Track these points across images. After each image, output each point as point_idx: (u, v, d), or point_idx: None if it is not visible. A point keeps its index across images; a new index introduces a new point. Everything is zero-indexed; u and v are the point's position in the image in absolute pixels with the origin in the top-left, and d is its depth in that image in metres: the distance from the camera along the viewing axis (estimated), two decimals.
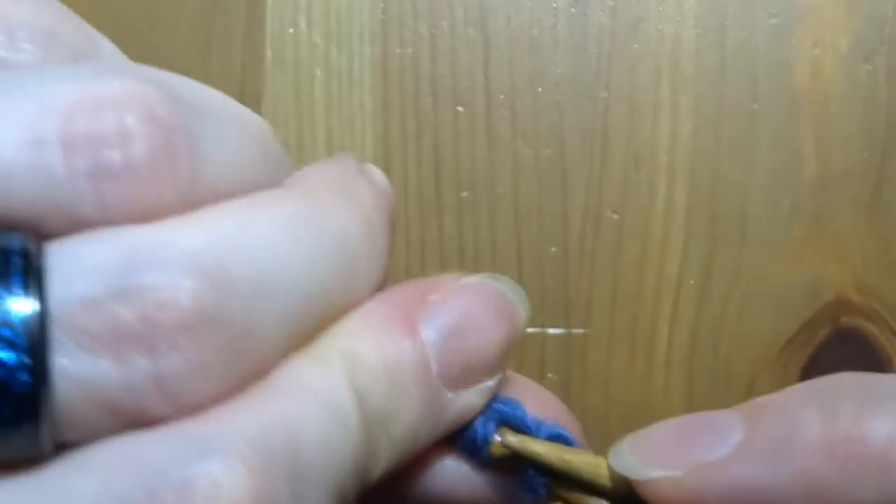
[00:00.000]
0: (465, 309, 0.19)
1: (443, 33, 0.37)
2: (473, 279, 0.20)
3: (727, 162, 0.37)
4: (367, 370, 0.18)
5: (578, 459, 0.21)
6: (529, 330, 0.37)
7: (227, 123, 0.18)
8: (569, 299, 0.37)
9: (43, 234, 0.15)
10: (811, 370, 0.37)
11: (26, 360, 0.14)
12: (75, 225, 0.16)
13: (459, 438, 0.20)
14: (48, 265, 0.15)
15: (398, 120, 0.37)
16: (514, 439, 0.20)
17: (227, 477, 0.15)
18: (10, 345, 0.14)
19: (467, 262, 0.37)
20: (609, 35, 0.37)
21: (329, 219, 0.18)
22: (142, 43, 0.38)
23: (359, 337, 0.18)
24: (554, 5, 0.37)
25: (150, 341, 0.15)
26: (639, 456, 0.21)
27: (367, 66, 0.37)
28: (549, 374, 0.37)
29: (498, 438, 0.20)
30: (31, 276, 0.15)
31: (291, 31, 0.38)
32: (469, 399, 0.19)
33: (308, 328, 0.17)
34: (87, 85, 0.16)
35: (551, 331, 0.37)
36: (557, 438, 0.21)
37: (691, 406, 0.37)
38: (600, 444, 0.39)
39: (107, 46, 0.19)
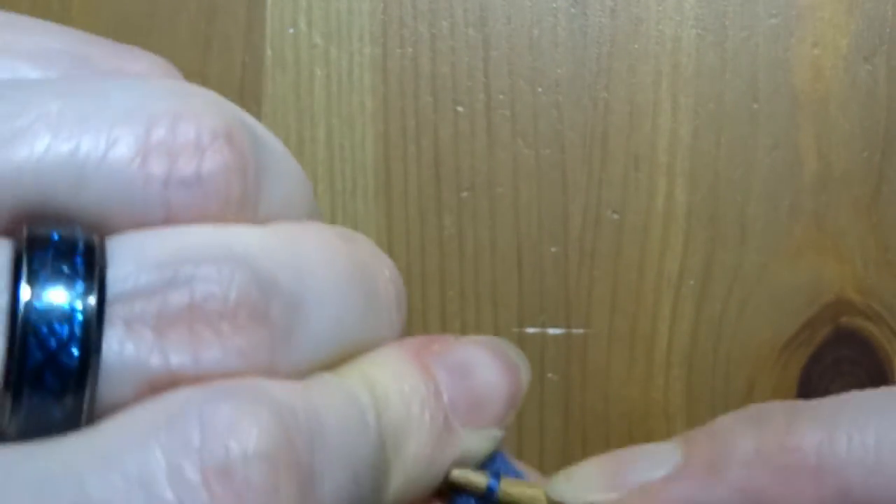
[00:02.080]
0: (471, 353, 0.21)
1: (443, 33, 0.37)
2: (479, 338, 0.21)
3: (727, 162, 0.37)
4: (383, 392, 0.19)
5: (517, 491, 0.22)
6: (529, 330, 0.37)
7: (285, 165, 0.19)
8: (569, 299, 0.37)
9: (104, 229, 0.17)
10: (811, 370, 0.37)
11: (78, 335, 0.15)
12: (138, 224, 0.17)
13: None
14: (109, 254, 0.16)
15: (398, 120, 0.37)
16: (457, 472, 0.21)
17: (252, 418, 0.16)
18: (67, 320, 0.15)
19: (467, 262, 0.37)
20: (609, 35, 0.37)
21: (366, 262, 0.19)
22: (142, 43, 0.38)
23: (377, 367, 0.19)
24: (554, 5, 0.37)
25: (195, 327, 0.16)
26: (576, 483, 0.21)
27: (367, 66, 0.37)
28: (549, 374, 0.37)
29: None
30: (93, 262, 0.16)
31: (291, 31, 0.38)
32: (476, 440, 0.20)
33: (335, 354, 0.18)
34: (169, 98, 0.17)
35: (551, 331, 0.37)
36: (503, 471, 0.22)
37: (691, 406, 0.37)
38: (600, 443, 0.39)
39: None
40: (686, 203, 0.37)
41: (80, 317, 0.15)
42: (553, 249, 0.37)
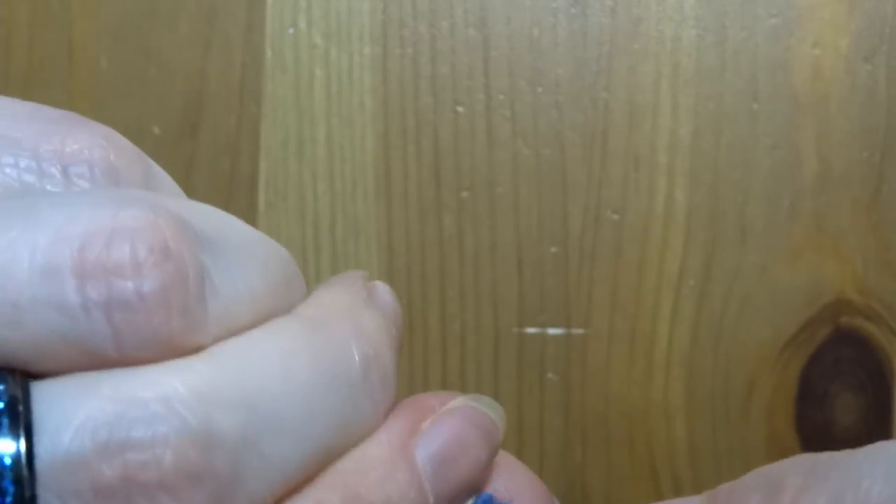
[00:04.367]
0: (456, 436, 0.20)
1: (443, 33, 0.37)
2: (459, 403, 0.20)
3: (727, 162, 0.37)
4: None
5: None
6: (529, 330, 0.37)
7: (243, 254, 0.18)
8: (569, 299, 0.37)
9: (51, 369, 0.15)
10: (811, 370, 0.37)
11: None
12: (88, 357, 0.16)
13: None
14: (37, 415, 0.15)
15: (398, 120, 0.37)
16: None
17: None
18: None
19: (467, 262, 0.37)
20: (609, 35, 0.37)
21: (334, 355, 0.18)
22: (142, 43, 0.38)
23: (360, 475, 0.18)
24: (554, 5, 0.37)
25: (131, 500, 0.15)
26: None
27: (367, 66, 0.37)
28: (549, 374, 0.37)
29: None
30: (16, 427, 0.15)
31: (291, 31, 0.38)
32: None
33: (307, 468, 0.17)
34: (99, 213, 0.16)
35: (551, 331, 0.37)
36: None
37: (691, 406, 0.37)
38: (600, 444, 0.39)
39: (164, 179, 0.19)
40: (686, 203, 0.37)
41: (9, 498, 0.14)
42: (553, 249, 0.37)
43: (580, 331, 0.37)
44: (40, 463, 0.15)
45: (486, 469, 0.20)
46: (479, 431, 0.20)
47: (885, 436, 0.37)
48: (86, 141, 0.17)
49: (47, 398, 0.15)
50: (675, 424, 0.37)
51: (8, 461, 0.14)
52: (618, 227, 0.37)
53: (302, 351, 0.17)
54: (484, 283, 0.37)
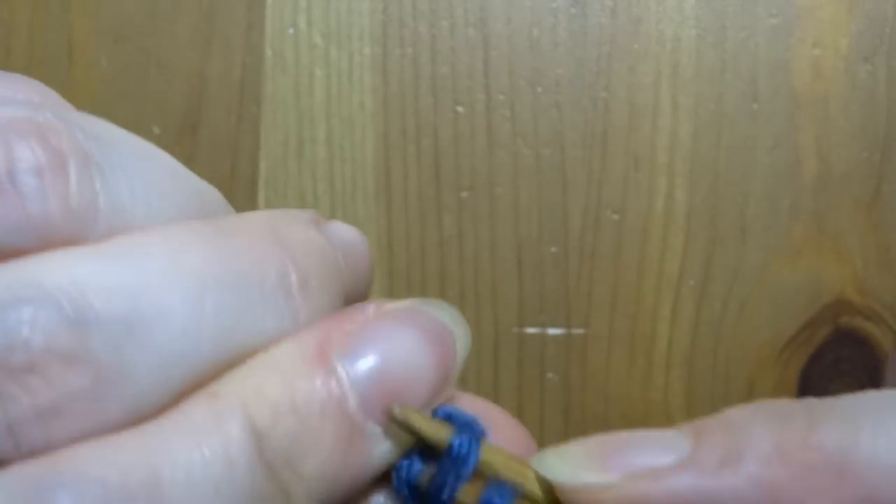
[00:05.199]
0: (386, 337, 0.18)
1: (443, 33, 0.37)
2: (399, 304, 0.19)
3: (727, 162, 0.37)
4: (269, 409, 0.16)
5: (500, 461, 0.19)
6: (529, 330, 0.37)
7: (131, 154, 0.17)
8: (569, 299, 0.37)
9: None
10: (811, 370, 0.37)
11: None
12: None
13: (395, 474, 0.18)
14: None
15: (398, 120, 0.37)
16: (408, 413, 0.17)
17: None
18: None
19: (467, 262, 0.37)
20: (609, 35, 0.37)
21: (240, 259, 0.17)
22: (142, 43, 0.38)
23: (263, 375, 0.17)
24: (554, 5, 0.37)
25: (2, 387, 0.15)
26: (569, 461, 0.19)
27: (367, 66, 0.37)
28: (549, 374, 0.37)
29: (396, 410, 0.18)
30: None
31: (291, 31, 0.38)
32: (399, 434, 0.18)
33: (207, 365, 0.17)
34: None
35: (551, 331, 0.37)
36: (454, 419, 0.19)
37: (691, 406, 0.37)
38: None
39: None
40: (686, 203, 0.37)
41: None
42: (553, 249, 0.37)
43: (580, 331, 0.37)
44: None
45: (437, 380, 0.18)
46: (420, 334, 0.18)
47: None
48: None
49: None
50: (674, 424, 0.37)
51: None
52: (618, 227, 0.37)
53: (197, 247, 0.17)
54: (484, 283, 0.37)
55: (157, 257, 0.16)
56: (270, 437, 0.16)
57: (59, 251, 0.16)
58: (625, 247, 0.37)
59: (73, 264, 0.15)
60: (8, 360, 0.15)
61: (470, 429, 0.19)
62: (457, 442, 0.18)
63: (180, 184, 0.18)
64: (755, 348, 0.37)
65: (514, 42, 0.37)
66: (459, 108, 0.37)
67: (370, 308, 0.18)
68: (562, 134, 0.37)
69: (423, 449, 0.18)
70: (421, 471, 0.18)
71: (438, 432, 0.18)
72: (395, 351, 0.18)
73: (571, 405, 0.37)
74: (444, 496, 0.18)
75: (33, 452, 0.15)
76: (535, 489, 0.19)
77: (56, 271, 0.15)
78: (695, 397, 0.37)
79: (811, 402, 0.19)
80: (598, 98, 0.37)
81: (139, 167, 0.17)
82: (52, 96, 0.18)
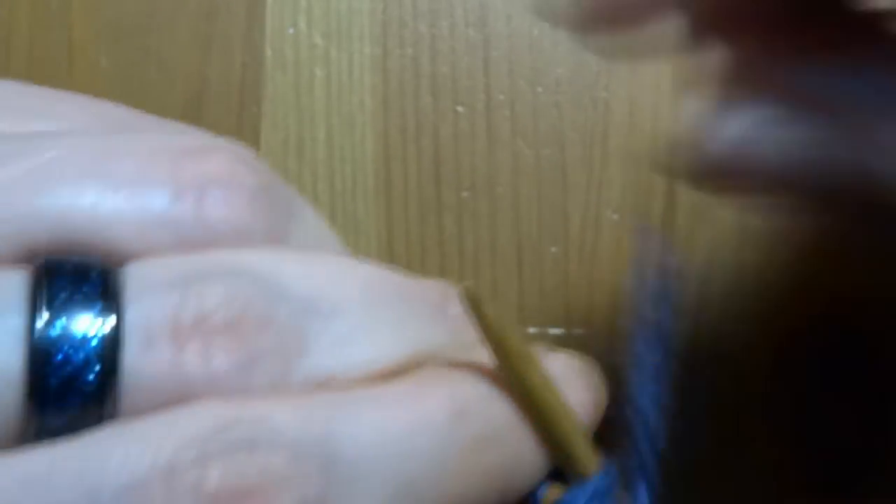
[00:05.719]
0: (563, 367, 0.21)
1: (443, 33, 0.37)
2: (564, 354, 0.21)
3: None
4: (472, 395, 0.18)
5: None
6: (529, 330, 0.37)
7: (317, 224, 0.21)
8: (569, 299, 0.37)
9: (125, 256, 0.17)
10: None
11: (96, 358, 0.16)
12: (166, 249, 0.17)
13: None
14: (124, 278, 0.17)
15: (398, 120, 0.37)
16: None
17: (256, 456, 0.16)
18: (84, 344, 0.16)
19: (467, 262, 0.37)
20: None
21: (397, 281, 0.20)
22: (142, 43, 0.38)
23: (457, 375, 0.19)
24: (554, 5, 0.37)
25: (206, 339, 0.16)
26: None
27: (367, 66, 0.37)
28: None
29: None
30: (108, 286, 0.16)
31: (291, 31, 0.38)
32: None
33: (383, 364, 0.18)
34: (193, 135, 0.19)
35: (551, 331, 0.37)
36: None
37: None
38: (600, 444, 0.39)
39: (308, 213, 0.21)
40: (686, 203, 0.37)
41: (97, 341, 0.16)
42: (553, 249, 0.37)
43: (580, 331, 0.37)
44: (127, 312, 0.16)
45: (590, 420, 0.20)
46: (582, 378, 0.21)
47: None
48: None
49: (135, 267, 0.17)
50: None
51: (97, 319, 0.16)
52: (618, 227, 0.37)
53: (372, 270, 0.20)
54: (484, 282, 0.37)
55: (342, 265, 0.19)
56: (470, 417, 0.18)
57: (254, 247, 0.18)
58: (625, 247, 0.37)
59: (265, 253, 0.18)
60: (213, 319, 0.16)
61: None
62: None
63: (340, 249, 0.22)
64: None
65: (514, 42, 0.37)
66: (459, 108, 0.37)
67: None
68: (562, 134, 0.37)
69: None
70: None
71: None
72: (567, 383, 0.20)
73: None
74: None
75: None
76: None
77: (252, 256, 0.17)
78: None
79: None
80: (599, 98, 0.37)
81: (315, 227, 0.21)
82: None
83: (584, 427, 0.20)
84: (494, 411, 0.18)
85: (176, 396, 0.16)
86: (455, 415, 0.17)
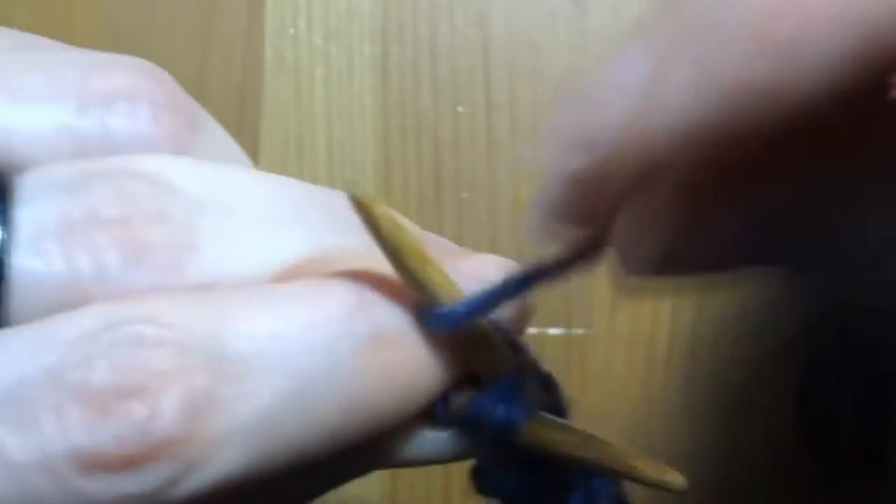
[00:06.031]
0: (484, 267, 0.21)
1: (443, 33, 0.37)
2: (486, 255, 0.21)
3: None
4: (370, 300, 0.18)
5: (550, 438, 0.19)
6: (529, 330, 0.37)
7: (226, 142, 0.21)
8: (569, 299, 0.37)
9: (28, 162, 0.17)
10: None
11: None
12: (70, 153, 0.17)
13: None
14: (19, 182, 0.17)
15: (398, 120, 0.37)
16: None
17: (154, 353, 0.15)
18: None
19: None
20: (609, 35, 0.37)
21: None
22: (142, 44, 0.38)
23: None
24: (554, 5, 0.37)
25: (96, 236, 0.16)
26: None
27: (367, 66, 0.37)
28: None
29: None
30: (2, 194, 0.16)
31: (291, 31, 0.38)
32: None
33: (285, 262, 0.18)
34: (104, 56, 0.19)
35: (551, 331, 0.37)
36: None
37: (691, 406, 0.37)
38: None
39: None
40: None
41: None
42: (553, 250, 0.37)
43: (580, 331, 0.37)
44: (17, 214, 0.16)
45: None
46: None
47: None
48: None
49: (32, 172, 0.17)
50: (675, 424, 0.37)
51: None
52: None
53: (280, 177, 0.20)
54: None
55: (243, 171, 0.19)
56: (367, 315, 0.17)
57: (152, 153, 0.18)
58: None
59: (160, 156, 0.18)
60: (102, 215, 0.16)
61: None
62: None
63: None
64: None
65: (514, 42, 0.37)
66: (459, 108, 0.37)
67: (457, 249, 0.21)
68: None
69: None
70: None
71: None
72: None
73: (571, 405, 0.37)
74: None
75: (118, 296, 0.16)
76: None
77: (147, 158, 0.17)
78: (695, 397, 0.37)
79: None
80: None
81: (224, 144, 0.21)
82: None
83: (490, 328, 0.19)
84: (393, 312, 0.18)
85: (69, 298, 0.16)
86: (351, 312, 0.17)
